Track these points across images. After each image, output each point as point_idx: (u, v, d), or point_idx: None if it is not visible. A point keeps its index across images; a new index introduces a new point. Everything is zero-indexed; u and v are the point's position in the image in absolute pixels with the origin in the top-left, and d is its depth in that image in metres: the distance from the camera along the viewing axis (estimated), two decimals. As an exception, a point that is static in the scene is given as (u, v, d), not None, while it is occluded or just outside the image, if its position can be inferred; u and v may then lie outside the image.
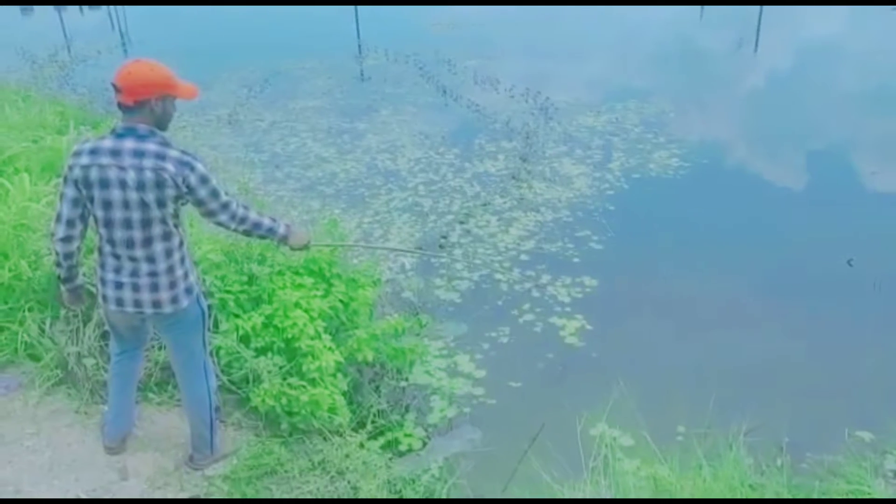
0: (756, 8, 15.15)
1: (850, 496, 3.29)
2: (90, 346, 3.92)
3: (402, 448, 4.02)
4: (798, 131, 8.92)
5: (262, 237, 3.33)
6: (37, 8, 19.72)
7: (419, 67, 11.82)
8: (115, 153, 2.83)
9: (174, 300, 3.06)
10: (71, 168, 2.89)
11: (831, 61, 12.10)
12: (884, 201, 6.99)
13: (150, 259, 2.97)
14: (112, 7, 18.49)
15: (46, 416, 3.78)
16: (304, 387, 3.71)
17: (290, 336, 3.86)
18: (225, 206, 3.03)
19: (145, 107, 2.85)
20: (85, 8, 20.35)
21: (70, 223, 2.96)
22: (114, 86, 2.84)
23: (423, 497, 3.57)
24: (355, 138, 8.93)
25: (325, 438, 3.74)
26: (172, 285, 3.04)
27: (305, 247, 3.50)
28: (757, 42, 13.52)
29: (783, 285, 5.63)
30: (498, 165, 7.94)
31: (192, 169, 2.87)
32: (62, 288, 3.23)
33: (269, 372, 3.74)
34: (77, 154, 2.90)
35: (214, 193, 2.96)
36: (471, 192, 7.32)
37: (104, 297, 3.10)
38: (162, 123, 2.93)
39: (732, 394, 4.20)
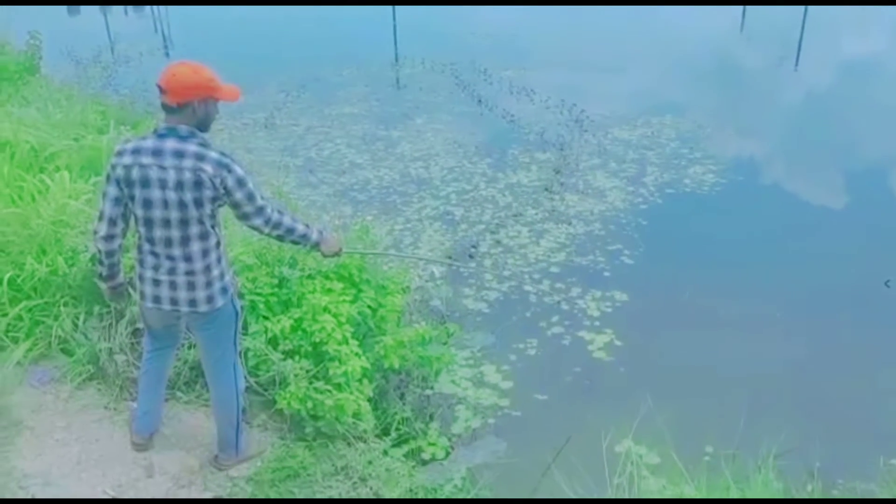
0: (798, 23, 14.93)
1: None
2: (122, 342, 3.99)
3: (426, 457, 4.01)
4: (838, 150, 8.76)
5: (295, 243, 3.36)
6: (83, 8, 20.16)
7: (455, 77, 11.84)
8: (157, 153, 2.88)
9: (210, 299, 3.10)
10: (113, 167, 2.95)
11: (873, 79, 11.87)
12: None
13: (188, 258, 3.01)
14: (155, 9, 18.85)
15: (77, 411, 3.85)
16: (329, 391, 3.72)
17: (317, 340, 3.87)
18: (260, 209, 3.06)
19: (188, 108, 2.90)
20: (129, 10, 20.76)
21: (112, 221, 3.02)
22: (158, 87, 2.90)
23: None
24: (389, 145, 8.97)
25: (348, 444, 3.75)
26: (208, 284, 3.08)
27: (337, 254, 3.53)
28: (798, 58, 13.33)
29: (819, 305, 5.52)
30: (531, 176, 7.91)
31: (230, 171, 2.91)
32: (104, 285, 3.29)
33: (296, 375, 3.76)
34: (119, 153, 2.95)
35: (250, 196, 3.00)
36: (503, 202, 7.30)
37: (142, 294, 3.15)
38: (203, 125, 2.98)
39: (763, 415, 4.13)
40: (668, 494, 3.24)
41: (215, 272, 3.09)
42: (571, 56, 13.29)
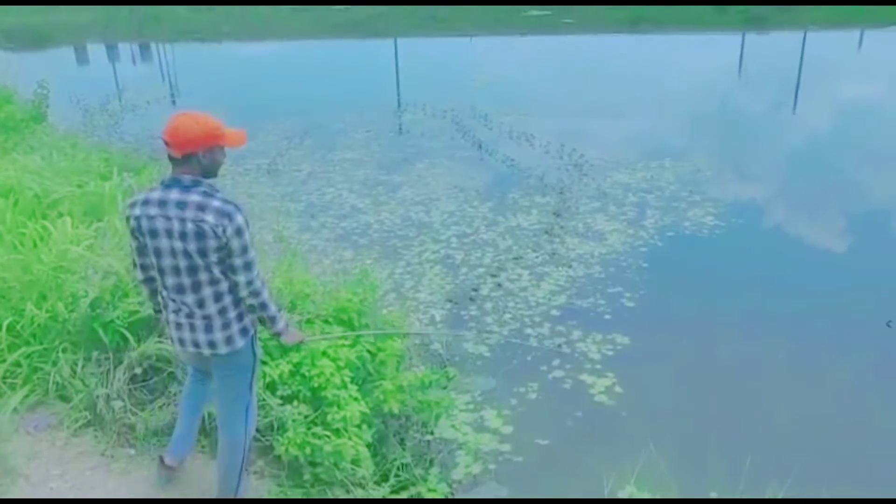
0: (794, 68, 15.16)
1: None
2: (119, 388, 3.97)
3: (426, 503, 3.95)
4: (837, 193, 8.79)
5: (261, 321, 3.27)
6: (92, 57, 20.63)
7: (456, 122, 11.99)
8: (162, 204, 2.93)
9: (229, 340, 3.12)
10: (127, 219, 3.06)
11: (871, 124, 11.99)
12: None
13: (201, 303, 3.05)
14: (162, 57, 19.27)
15: (72, 458, 3.81)
16: (328, 437, 3.69)
17: (316, 385, 3.85)
18: (248, 265, 3.01)
19: (192, 159, 2.94)
20: (137, 59, 21.21)
21: (143, 267, 3.17)
22: (163, 140, 2.94)
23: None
24: (390, 190, 9.04)
25: (347, 491, 3.70)
26: (226, 326, 3.10)
27: (298, 343, 3.59)
28: (795, 103, 13.49)
29: (821, 347, 5.49)
30: (531, 220, 7.94)
31: (231, 219, 2.90)
32: (161, 318, 3.41)
33: (294, 420, 3.74)
34: (131, 205, 3.03)
35: (244, 249, 2.97)
36: (503, 245, 7.32)
37: (171, 337, 3.26)
38: (209, 172, 3.01)
39: (768, 459, 4.07)
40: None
41: (232, 314, 3.10)
42: (571, 101, 13.48)
